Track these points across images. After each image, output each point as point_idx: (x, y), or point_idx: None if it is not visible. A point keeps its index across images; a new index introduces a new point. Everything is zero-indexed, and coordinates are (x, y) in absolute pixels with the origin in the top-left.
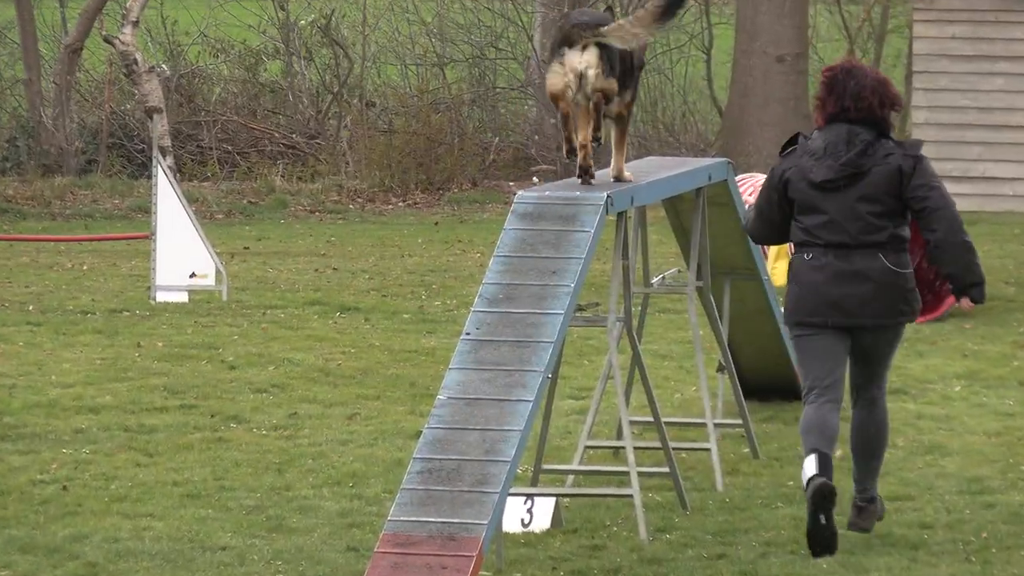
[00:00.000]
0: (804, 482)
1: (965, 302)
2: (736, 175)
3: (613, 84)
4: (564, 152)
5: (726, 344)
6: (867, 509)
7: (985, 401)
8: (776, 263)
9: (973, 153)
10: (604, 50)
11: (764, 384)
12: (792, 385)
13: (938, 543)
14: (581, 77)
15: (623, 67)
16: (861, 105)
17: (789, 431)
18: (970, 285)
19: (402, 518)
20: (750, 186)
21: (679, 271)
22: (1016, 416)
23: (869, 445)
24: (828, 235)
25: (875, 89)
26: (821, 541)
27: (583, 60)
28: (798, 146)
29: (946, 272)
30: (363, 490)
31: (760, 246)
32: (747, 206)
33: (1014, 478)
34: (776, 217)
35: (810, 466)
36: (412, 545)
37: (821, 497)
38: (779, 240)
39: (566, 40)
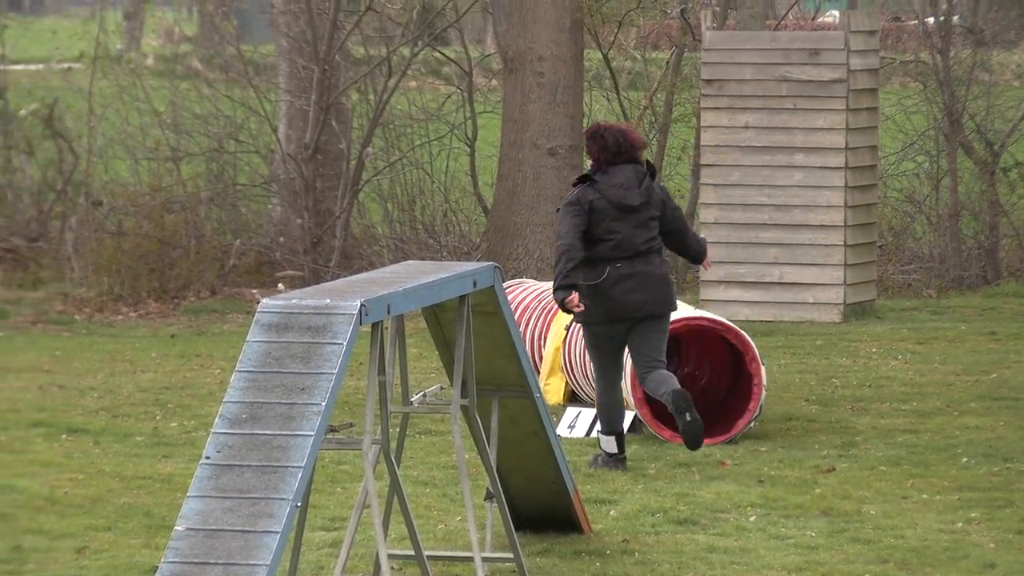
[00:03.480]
0: (607, 452)
1: (707, 262)
2: (504, 281)
3: None
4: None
5: (495, 469)
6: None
7: (784, 532)
8: (549, 379)
9: (769, 256)
10: None
11: (537, 514)
12: (569, 516)
13: None
14: None
15: None
16: (626, 150)
17: (565, 565)
18: (703, 251)
19: None
20: (520, 293)
21: (442, 388)
22: (819, 549)
23: (663, 377)
24: (632, 247)
25: (630, 139)
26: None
27: None
28: (599, 183)
29: (692, 256)
30: None
31: (530, 360)
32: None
33: None
34: (581, 233)
35: (610, 445)
36: None
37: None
38: (582, 253)
39: None
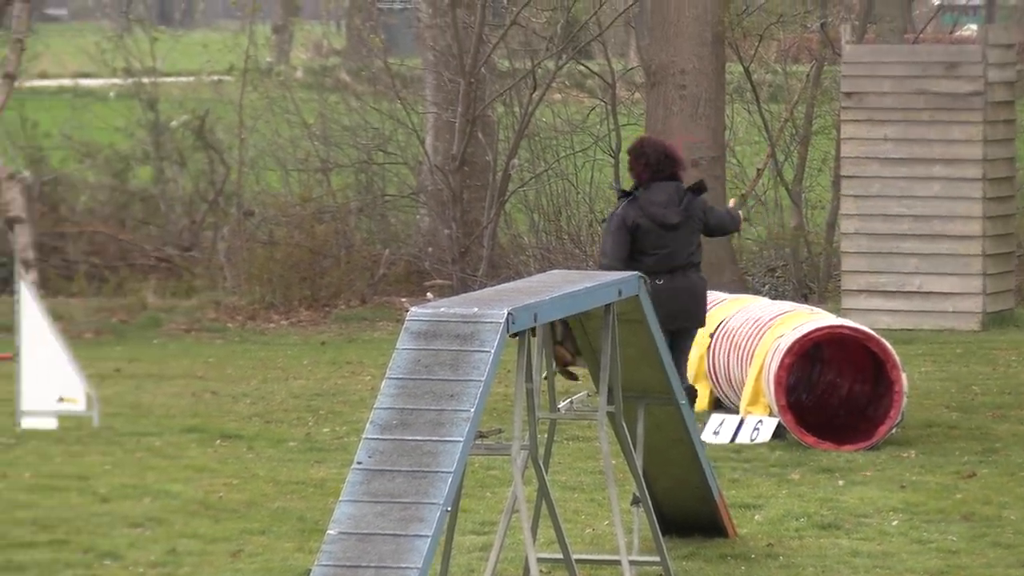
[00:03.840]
0: None
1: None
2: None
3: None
4: None
5: (641, 475)
6: None
7: (926, 536)
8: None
9: (909, 266)
10: None
11: (683, 518)
12: (714, 520)
13: None
14: None
15: None
16: (666, 167)
17: (711, 569)
18: (737, 221)
19: None
20: None
21: (588, 395)
22: (960, 553)
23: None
24: (673, 262)
25: (672, 156)
26: None
27: None
28: (638, 199)
29: (732, 231)
30: None
31: (675, 368)
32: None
33: None
34: (625, 253)
35: None
36: None
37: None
38: (625, 269)
39: None
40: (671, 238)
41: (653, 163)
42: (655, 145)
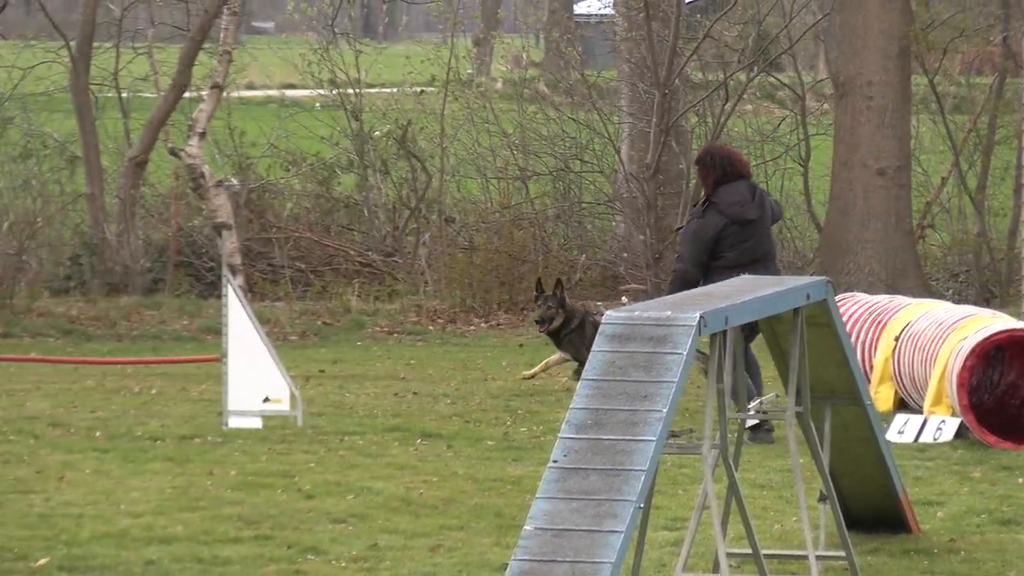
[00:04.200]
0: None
1: None
2: (836, 294)
3: None
4: None
5: (827, 472)
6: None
7: None
8: (879, 388)
9: None
10: None
11: (868, 515)
12: (898, 516)
13: None
14: None
15: None
16: (734, 168)
17: (896, 564)
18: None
19: None
20: (851, 306)
21: (777, 396)
22: None
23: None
24: (754, 254)
25: (736, 159)
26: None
27: None
28: (718, 203)
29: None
30: None
31: (861, 369)
32: (682, 262)
33: None
34: (705, 259)
35: None
36: None
37: None
38: (699, 280)
39: None
40: (750, 232)
41: (719, 169)
42: (720, 151)
